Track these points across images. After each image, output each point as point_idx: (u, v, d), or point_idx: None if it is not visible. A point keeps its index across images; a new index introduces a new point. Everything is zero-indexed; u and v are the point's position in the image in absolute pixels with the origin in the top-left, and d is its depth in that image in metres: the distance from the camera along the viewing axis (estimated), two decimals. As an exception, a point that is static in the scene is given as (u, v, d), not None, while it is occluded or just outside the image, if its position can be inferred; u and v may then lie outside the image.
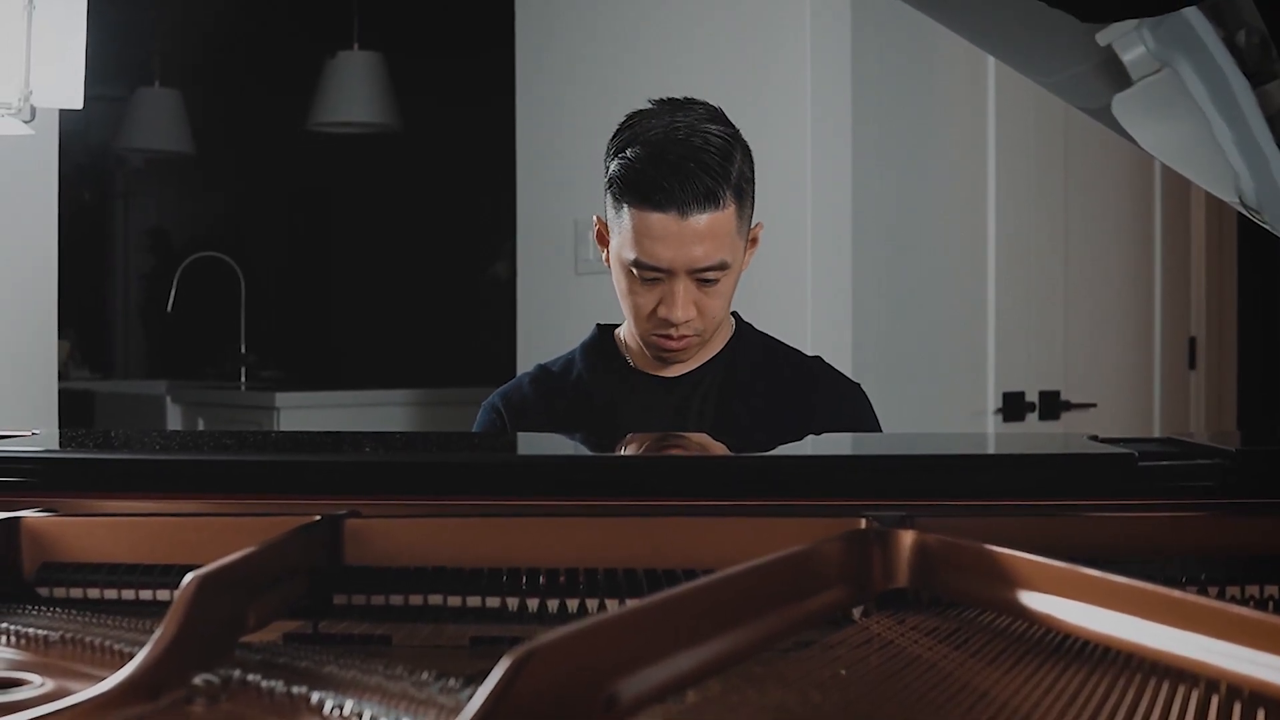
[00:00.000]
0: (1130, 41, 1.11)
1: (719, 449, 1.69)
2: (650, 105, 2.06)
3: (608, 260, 2.09)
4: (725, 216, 1.97)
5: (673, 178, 1.94)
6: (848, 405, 2.15)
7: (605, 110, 3.83)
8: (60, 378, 3.51)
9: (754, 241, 2.11)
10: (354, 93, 6.04)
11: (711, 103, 2.08)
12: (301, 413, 4.98)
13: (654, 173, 1.95)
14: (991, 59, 3.76)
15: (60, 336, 3.42)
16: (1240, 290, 5.18)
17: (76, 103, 2.08)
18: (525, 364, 4.00)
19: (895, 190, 3.80)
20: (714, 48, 3.69)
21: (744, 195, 2.02)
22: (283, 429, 4.81)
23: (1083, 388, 4.27)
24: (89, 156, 7.36)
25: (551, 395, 2.14)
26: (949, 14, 1.34)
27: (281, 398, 4.98)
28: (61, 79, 2.05)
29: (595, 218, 2.11)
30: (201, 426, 5.34)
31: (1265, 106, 1.05)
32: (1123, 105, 1.19)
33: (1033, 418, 4.11)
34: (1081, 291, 4.30)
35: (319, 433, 2.27)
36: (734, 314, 2.20)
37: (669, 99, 2.07)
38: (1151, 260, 4.63)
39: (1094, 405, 4.27)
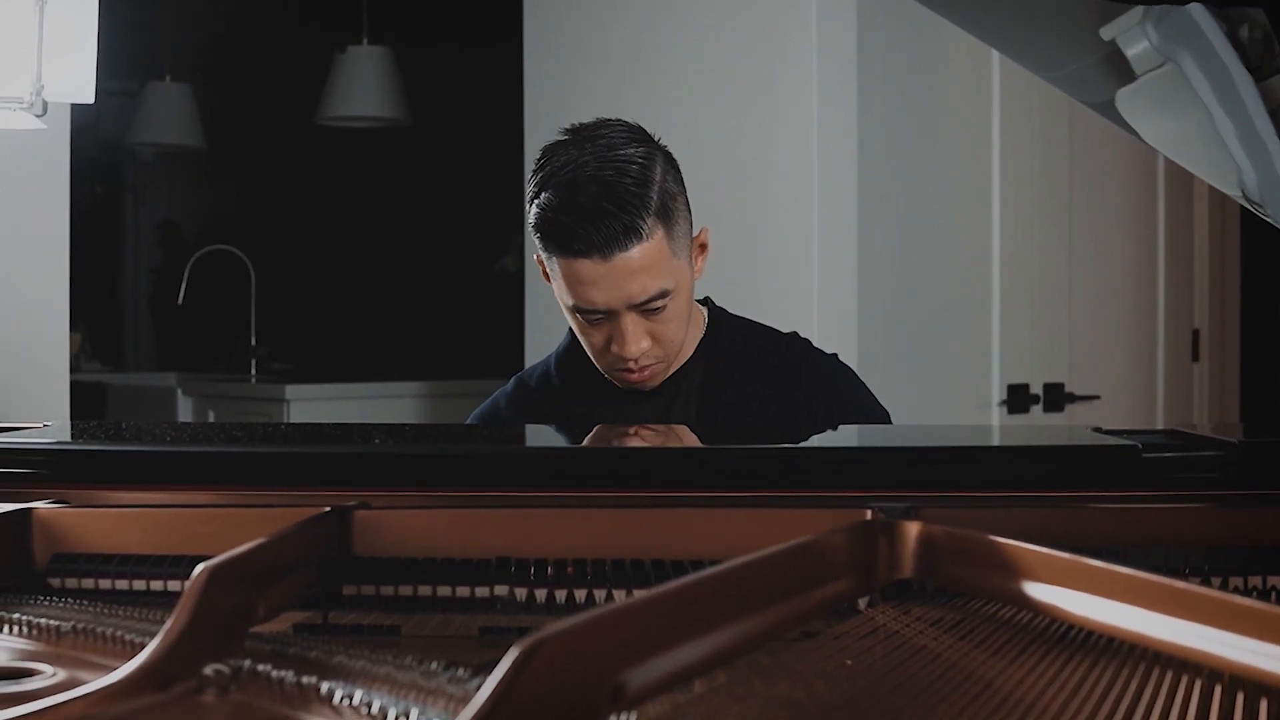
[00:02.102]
0: (1134, 36, 1.11)
1: (726, 441, 1.69)
2: (562, 135, 1.98)
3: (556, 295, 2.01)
4: (653, 245, 1.88)
5: (587, 222, 1.86)
6: (836, 383, 2.09)
7: (613, 103, 3.85)
8: (72, 370, 3.51)
9: (702, 248, 2.03)
10: (363, 87, 6.04)
11: (629, 119, 1.99)
12: (311, 405, 4.99)
13: (568, 220, 1.87)
14: (996, 53, 3.75)
15: (72, 329, 3.43)
16: (1243, 283, 5.18)
17: (88, 97, 2.08)
18: (533, 355, 4.00)
19: (900, 184, 3.80)
20: (721, 40, 3.69)
21: (671, 214, 1.92)
22: (293, 421, 4.82)
23: (1087, 380, 4.27)
24: (100, 150, 7.37)
25: (531, 415, 2.09)
26: (954, 9, 1.34)
27: (291, 390, 4.99)
28: (73, 73, 2.05)
29: (535, 257, 2.02)
30: (212, 419, 5.35)
31: (1268, 101, 1.05)
32: (1126, 100, 1.19)
33: (1037, 410, 4.11)
34: (1086, 284, 4.30)
35: (328, 425, 2.28)
36: (707, 301, 2.14)
37: (579, 127, 1.97)
38: (1155, 253, 4.63)
39: (1098, 397, 4.26)
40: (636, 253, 1.87)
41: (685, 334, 2.01)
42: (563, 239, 1.88)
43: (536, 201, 1.93)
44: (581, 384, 2.07)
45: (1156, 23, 1.08)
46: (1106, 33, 1.14)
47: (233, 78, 7.26)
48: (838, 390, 2.09)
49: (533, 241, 1.98)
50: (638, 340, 1.93)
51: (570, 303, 1.94)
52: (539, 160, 1.97)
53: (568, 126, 1.99)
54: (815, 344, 2.17)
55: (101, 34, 2.10)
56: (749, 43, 3.64)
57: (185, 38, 6.89)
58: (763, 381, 2.07)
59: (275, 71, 7.06)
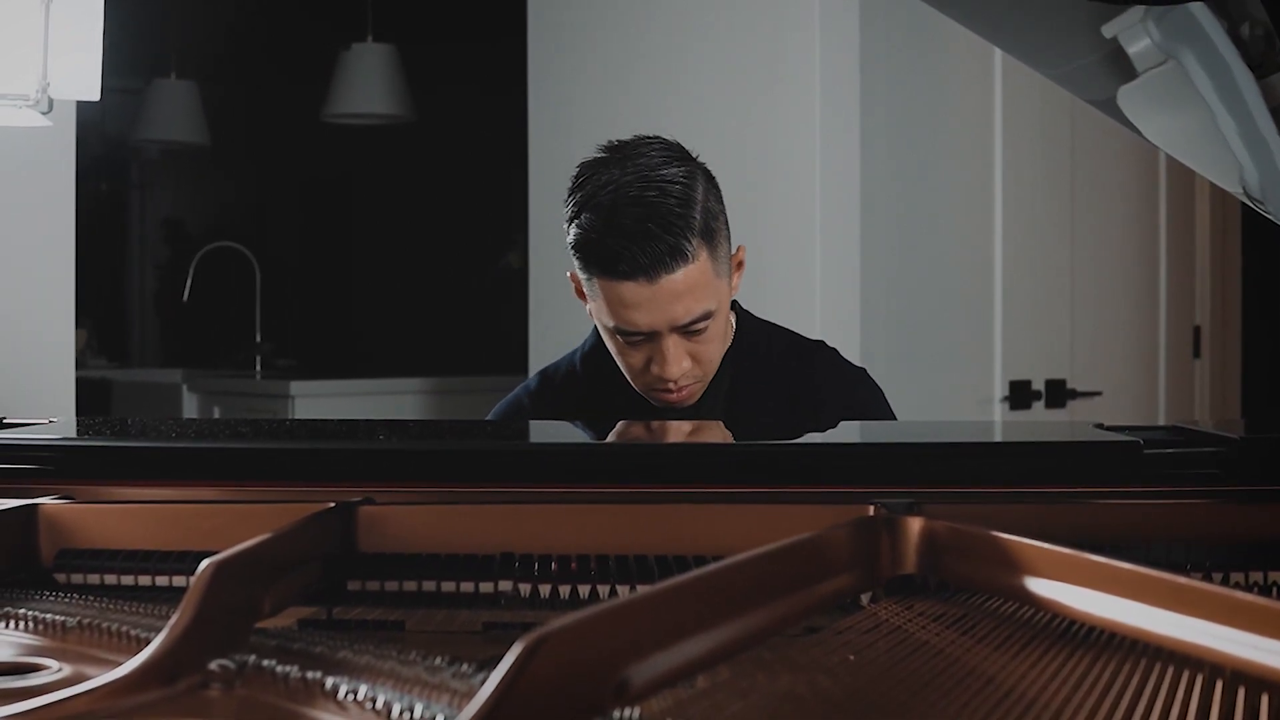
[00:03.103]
0: (1135, 34, 1.11)
1: (729, 437, 1.69)
2: (600, 153, 1.94)
3: (591, 314, 1.99)
4: (698, 268, 1.86)
5: (633, 245, 1.82)
6: (858, 392, 2.10)
7: (617, 100, 3.86)
8: (77, 366, 3.52)
9: (739, 265, 2.01)
10: (368, 84, 6.04)
11: (666, 136, 1.96)
12: (316, 401, 4.99)
13: (612, 243, 1.84)
14: (998, 51, 3.75)
15: (77, 325, 3.43)
16: (1244, 280, 5.19)
17: (94, 94, 2.08)
18: (537, 352, 4.01)
19: (903, 181, 3.80)
20: (724, 37, 3.69)
21: (714, 235, 1.90)
22: (297, 417, 4.82)
23: (1089, 376, 4.27)
24: (106, 147, 7.37)
25: (554, 412, 2.07)
26: (957, 7, 1.34)
27: (296, 386, 4.99)
28: (79, 71, 2.05)
29: (569, 274, 1.99)
30: (217, 415, 5.35)
31: (1269, 98, 1.05)
32: (1128, 97, 1.19)
33: (1039, 406, 4.12)
34: (1087, 281, 4.31)
35: (333, 421, 2.28)
36: (734, 305, 2.10)
37: (617, 144, 1.94)
38: (1156, 250, 4.63)
39: (1100, 394, 4.27)
40: (681, 275, 1.84)
41: (722, 352, 2.00)
42: (606, 261, 1.85)
43: (576, 222, 1.89)
44: (607, 381, 2.03)
45: (1158, 20, 1.08)
46: (1108, 30, 1.14)
47: (238, 75, 7.26)
48: (856, 399, 2.08)
49: (570, 261, 1.94)
50: (679, 361, 1.90)
51: (611, 324, 1.90)
52: (577, 179, 1.93)
53: (605, 144, 1.95)
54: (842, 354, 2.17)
55: (107, 31, 2.10)
56: (752, 41, 3.65)
57: (190, 35, 6.90)
58: (787, 384, 2.06)
59: (280, 69, 7.07)
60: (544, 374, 2.14)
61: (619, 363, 1.97)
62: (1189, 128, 1.14)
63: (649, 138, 1.95)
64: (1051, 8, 1.16)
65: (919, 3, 1.27)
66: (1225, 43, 1.05)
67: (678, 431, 1.75)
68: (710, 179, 1.95)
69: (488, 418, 2.14)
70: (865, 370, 2.15)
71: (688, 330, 1.89)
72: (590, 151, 1.97)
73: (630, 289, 1.84)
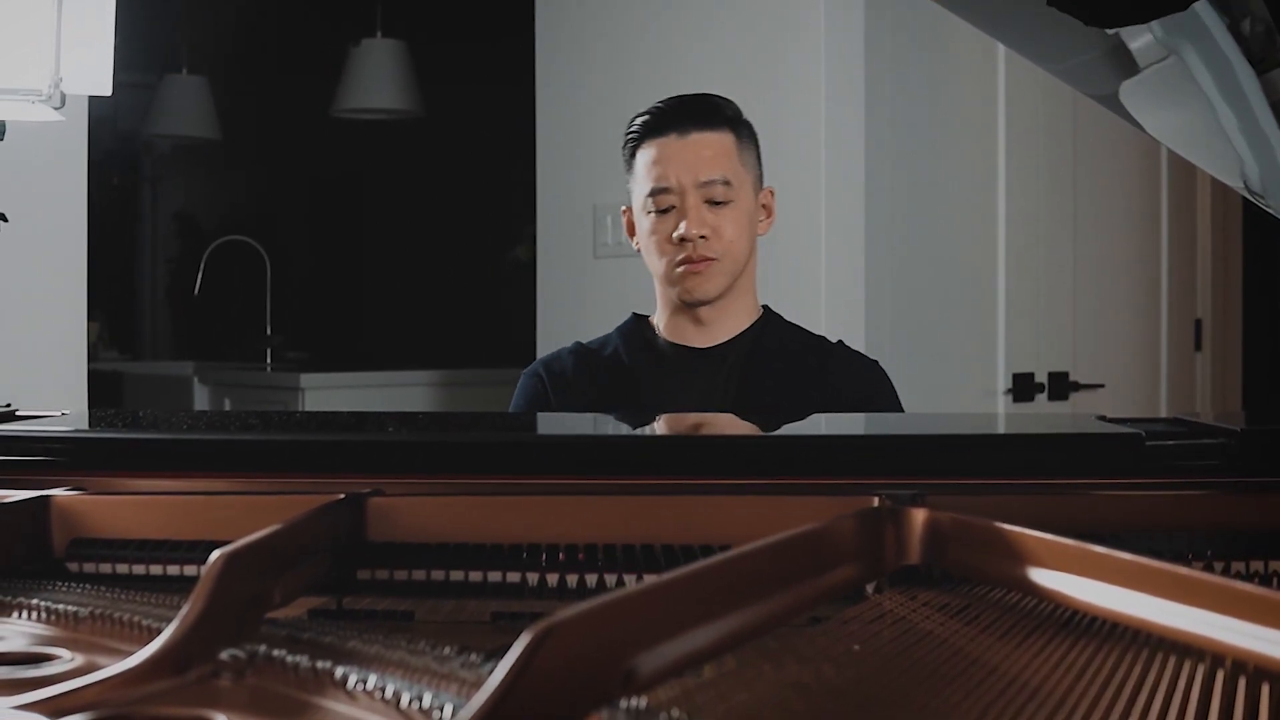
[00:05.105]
0: (1138, 30, 1.11)
1: (736, 428, 1.70)
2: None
3: (637, 244, 2.24)
4: (724, 137, 2.17)
5: (674, 107, 2.19)
6: (868, 381, 2.22)
7: (624, 95, 3.86)
8: (89, 359, 3.53)
9: (768, 211, 2.25)
10: (377, 80, 6.05)
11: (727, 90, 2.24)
12: (326, 393, 5.00)
13: (662, 107, 2.20)
14: (1002, 46, 3.76)
15: (89, 318, 3.44)
16: (1245, 273, 5.19)
17: (106, 89, 2.08)
18: (545, 346, 4.02)
19: (907, 175, 3.80)
20: (730, 33, 3.70)
21: (744, 136, 2.21)
22: (307, 409, 4.83)
23: (1091, 369, 4.27)
24: (118, 142, 7.40)
25: (591, 368, 2.25)
26: (960, 3, 1.35)
27: (306, 378, 5.00)
28: (91, 66, 2.06)
29: (622, 209, 2.29)
30: (228, 407, 5.36)
31: (1269, 94, 1.05)
32: (1130, 92, 1.19)
33: (1042, 398, 4.12)
34: (1090, 275, 4.31)
35: (343, 413, 2.28)
36: (764, 307, 2.29)
37: None
38: (1158, 244, 4.63)
39: (1102, 386, 4.27)
40: (709, 135, 2.16)
41: (742, 252, 2.20)
42: (649, 125, 2.19)
43: (635, 117, 2.23)
44: (639, 350, 2.26)
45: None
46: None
47: (248, 71, 7.27)
48: (865, 385, 2.22)
49: (626, 189, 2.26)
50: (700, 222, 2.14)
51: (646, 189, 2.17)
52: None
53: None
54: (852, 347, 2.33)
55: (119, 27, 2.10)
56: (758, 37, 3.65)
57: (201, 31, 6.91)
58: (804, 361, 2.23)
59: (290, 65, 7.08)
60: (579, 342, 2.33)
61: (652, 245, 2.20)
62: (1190, 123, 1.15)
63: None
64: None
65: (924, 0, 1.27)
66: (1226, 38, 1.05)
67: (687, 424, 1.76)
68: (753, 129, 2.26)
69: (529, 370, 2.30)
70: (878, 363, 2.29)
71: (709, 196, 2.15)
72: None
73: (664, 144, 2.17)
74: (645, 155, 2.19)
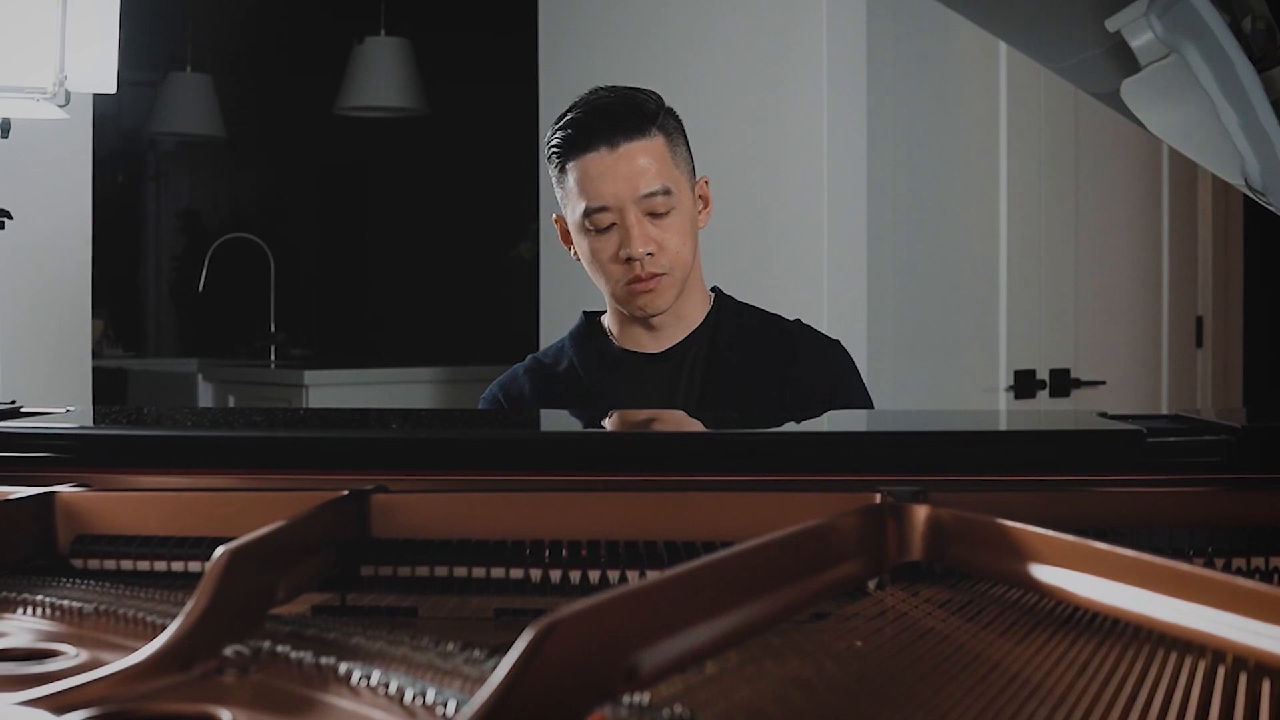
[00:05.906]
0: (1139, 28, 1.12)
1: (737, 425, 1.70)
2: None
3: (575, 253, 2.17)
4: (655, 144, 2.06)
5: (596, 118, 2.06)
6: (832, 365, 2.18)
7: (629, 92, 3.86)
8: (94, 356, 3.54)
9: (705, 202, 2.17)
10: (381, 77, 6.06)
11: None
12: (329, 390, 5.01)
13: (582, 119, 2.07)
14: (1003, 44, 3.75)
15: (94, 316, 3.45)
16: (1246, 270, 5.19)
17: (110, 87, 2.09)
18: (547, 342, 4.02)
19: (909, 173, 3.80)
20: (733, 31, 3.70)
21: (673, 134, 2.10)
22: (311, 406, 4.84)
23: (1092, 366, 4.27)
24: (122, 140, 7.41)
25: (546, 385, 2.19)
26: (962, 2, 1.35)
27: (310, 375, 5.00)
28: (95, 64, 2.06)
29: (554, 218, 2.21)
30: (232, 404, 5.37)
31: (1270, 91, 1.05)
32: (1131, 90, 1.19)
33: (1043, 395, 4.12)
34: (1091, 272, 4.31)
35: (347, 410, 2.29)
36: (714, 289, 2.24)
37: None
38: (1159, 241, 4.62)
39: (1103, 383, 4.27)
40: (640, 145, 2.05)
41: (689, 258, 2.11)
42: (575, 138, 2.06)
43: (554, 127, 2.11)
44: (593, 357, 2.18)
45: (1161, 14, 1.08)
46: (1112, 24, 1.15)
47: (253, 68, 7.28)
48: (830, 368, 2.17)
49: (553, 193, 2.15)
50: (643, 239, 2.05)
51: (581, 207, 2.06)
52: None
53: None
54: (822, 330, 2.26)
55: (123, 25, 2.11)
56: (760, 33, 3.65)
57: (206, 29, 6.92)
58: (764, 348, 2.16)
59: (294, 62, 7.09)
60: (534, 356, 2.28)
61: (596, 265, 2.12)
62: (1191, 120, 1.15)
63: None
64: (1056, 2, 1.17)
65: (926, -3, 1.28)
66: (1227, 36, 1.05)
67: (685, 421, 1.76)
68: (677, 116, 2.16)
69: (486, 394, 2.28)
70: (839, 342, 2.25)
71: (649, 209, 2.05)
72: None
73: (595, 159, 2.05)
74: (575, 171, 2.07)
